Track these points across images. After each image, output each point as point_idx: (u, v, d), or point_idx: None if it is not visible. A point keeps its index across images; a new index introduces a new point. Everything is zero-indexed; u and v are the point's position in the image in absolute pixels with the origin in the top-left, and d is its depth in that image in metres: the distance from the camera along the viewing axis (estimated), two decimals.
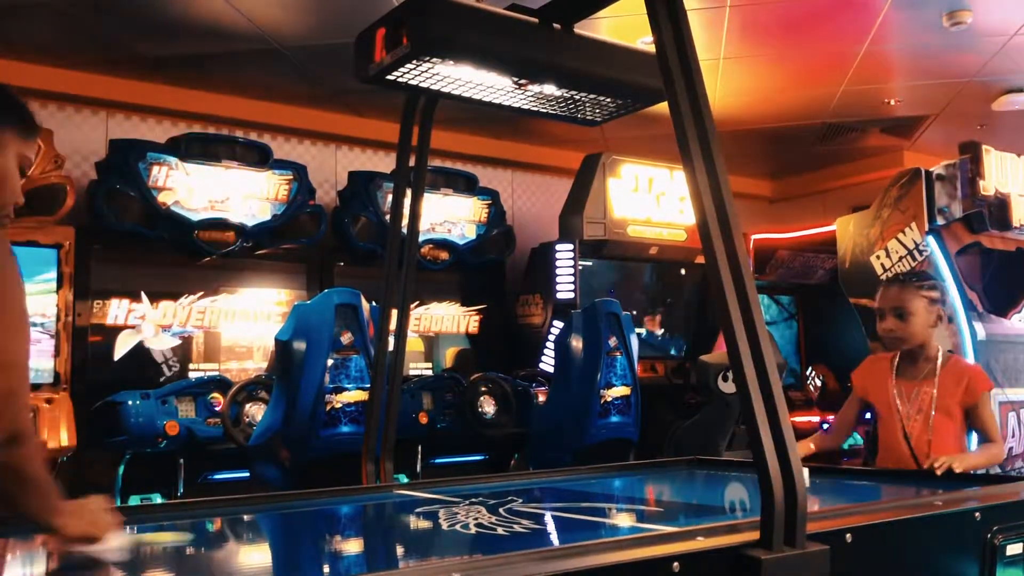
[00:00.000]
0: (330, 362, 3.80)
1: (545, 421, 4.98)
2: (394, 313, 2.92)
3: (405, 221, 2.93)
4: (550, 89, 2.43)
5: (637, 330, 5.95)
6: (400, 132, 2.81)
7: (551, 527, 2.20)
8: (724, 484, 3.07)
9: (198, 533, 2.30)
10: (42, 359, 4.31)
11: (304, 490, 2.79)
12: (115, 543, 1.74)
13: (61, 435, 3.95)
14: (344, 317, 3.86)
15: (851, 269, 5.74)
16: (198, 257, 5.09)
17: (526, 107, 2.58)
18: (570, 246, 6.02)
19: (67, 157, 4.67)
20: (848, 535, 1.73)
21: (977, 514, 2.04)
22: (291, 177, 5.26)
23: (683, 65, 1.73)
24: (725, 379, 4.95)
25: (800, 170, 8.05)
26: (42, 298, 4.34)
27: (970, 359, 5.00)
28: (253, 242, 5.16)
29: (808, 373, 7.34)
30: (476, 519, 2.10)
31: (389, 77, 2.32)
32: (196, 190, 4.91)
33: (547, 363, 5.85)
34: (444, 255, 5.92)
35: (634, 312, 5.95)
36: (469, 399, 5.00)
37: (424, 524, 2.32)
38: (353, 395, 3.85)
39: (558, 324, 5.72)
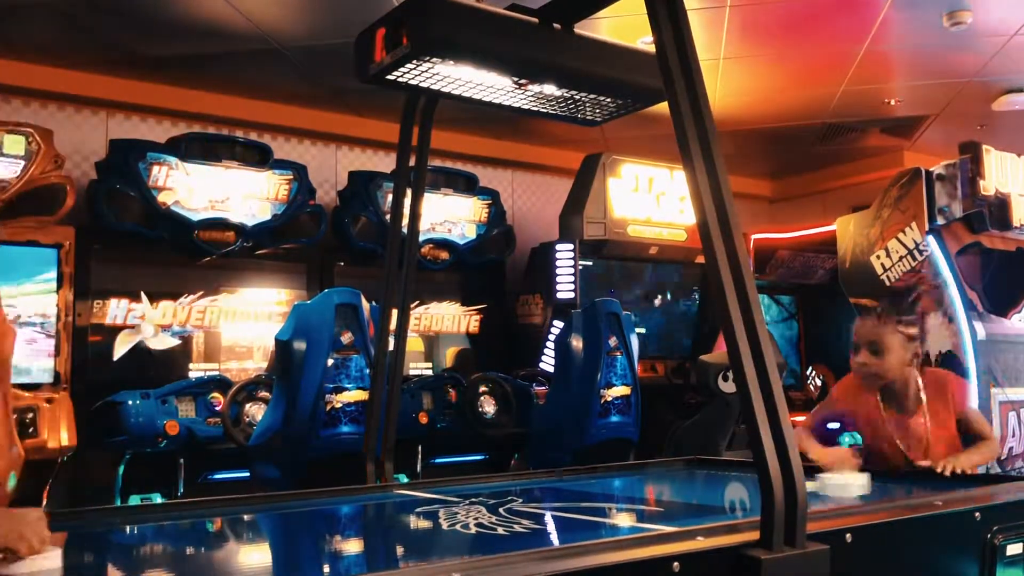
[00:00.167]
0: (330, 362, 3.80)
1: (545, 421, 4.98)
2: (394, 313, 2.92)
3: (405, 221, 2.93)
4: (550, 89, 2.43)
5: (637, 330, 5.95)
6: (400, 132, 2.81)
7: (551, 527, 2.20)
8: (724, 484, 3.07)
9: (198, 533, 2.30)
10: (42, 359, 4.31)
11: (304, 490, 2.79)
12: (47, 564, 1.48)
13: (61, 435, 3.94)
14: (344, 317, 3.86)
15: (851, 269, 5.75)
16: (198, 257, 5.09)
17: (526, 107, 2.58)
18: (570, 246, 6.02)
19: (67, 157, 4.67)
20: (848, 535, 1.73)
21: (977, 514, 2.05)
22: (291, 177, 5.26)
23: (683, 65, 1.73)
24: (725, 379, 4.95)
25: (800, 170, 8.05)
26: (42, 298, 4.33)
27: (970, 359, 5.01)
28: (253, 242, 5.16)
29: (808, 373, 7.34)
30: (476, 519, 2.10)
31: (389, 77, 2.32)
32: (196, 190, 4.91)
33: (547, 363, 5.85)
34: (444, 255, 5.92)
35: (634, 317, 5.95)
36: (469, 399, 5.00)
37: (424, 524, 2.32)
38: (353, 395, 3.85)
39: (558, 324, 5.72)
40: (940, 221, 5.27)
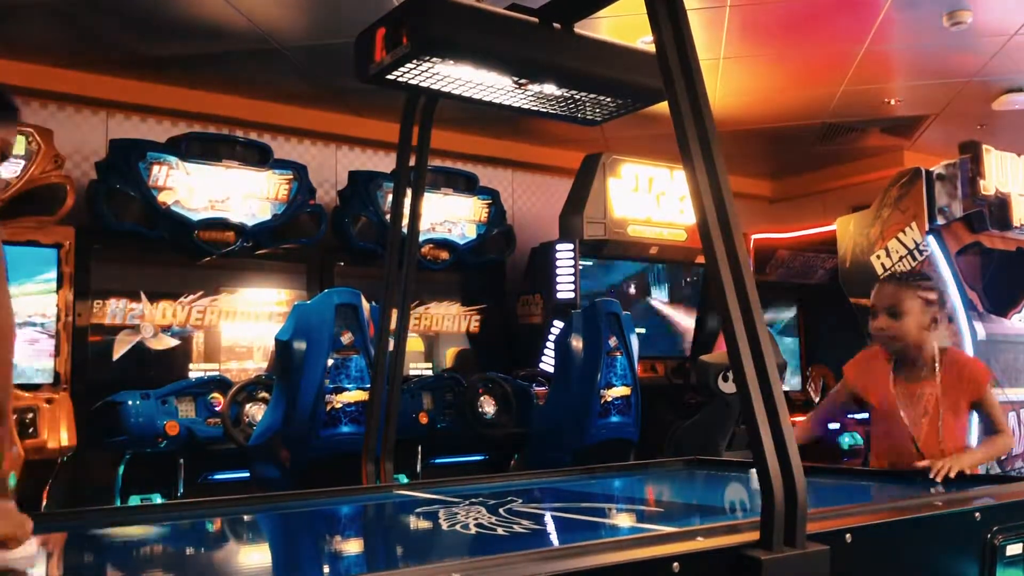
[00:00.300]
0: (330, 362, 3.80)
1: (545, 421, 4.98)
2: (394, 313, 2.92)
3: (405, 221, 2.93)
4: (550, 89, 2.43)
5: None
6: (400, 132, 2.81)
7: (551, 527, 2.20)
8: (724, 484, 3.07)
9: (198, 533, 2.30)
10: (42, 359, 4.31)
11: (304, 490, 2.79)
12: (26, 551, 1.61)
13: (61, 435, 3.94)
14: (344, 317, 3.86)
15: (851, 269, 5.74)
16: (198, 257, 5.09)
17: (526, 107, 2.58)
18: (570, 246, 6.02)
19: (67, 157, 4.67)
20: (848, 535, 1.73)
21: (977, 514, 2.04)
22: (291, 177, 5.26)
23: (683, 65, 1.73)
24: (725, 379, 4.95)
25: (800, 170, 8.05)
26: (42, 298, 4.34)
27: None
28: (253, 242, 5.16)
29: (808, 373, 7.34)
30: (476, 519, 2.10)
31: (389, 77, 2.32)
32: (196, 190, 4.91)
33: (547, 363, 5.85)
34: (444, 255, 5.92)
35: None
36: (469, 399, 5.00)
37: (424, 524, 2.32)
38: (353, 395, 3.85)
39: (558, 324, 5.72)
40: (940, 221, 5.27)
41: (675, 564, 1.48)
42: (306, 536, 2.34)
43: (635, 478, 3.28)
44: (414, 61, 2.21)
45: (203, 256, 5.08)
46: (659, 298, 6.69)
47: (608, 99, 2.53)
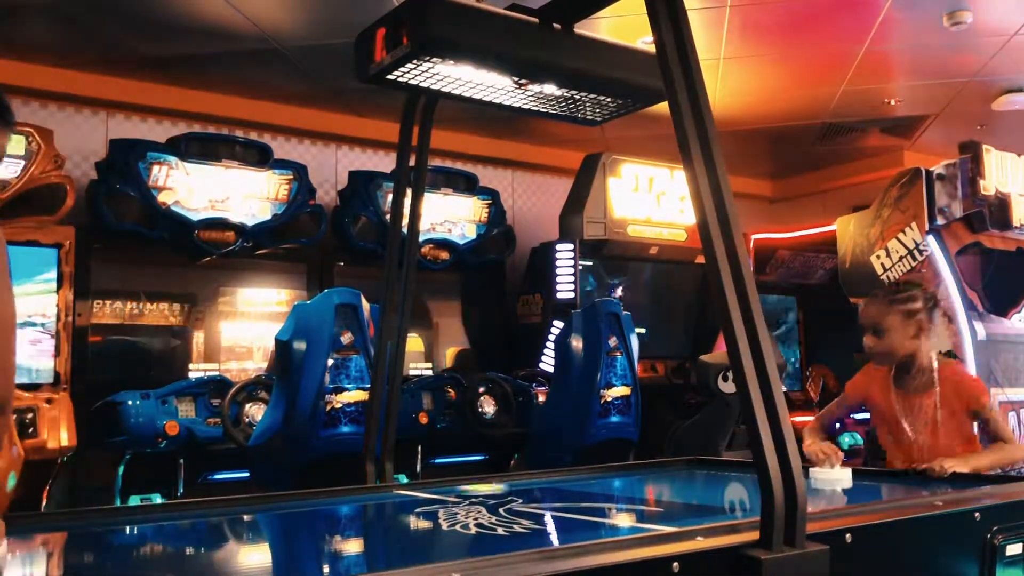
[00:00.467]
0: (330, 362, 3.80)
1: (545, 421, 4.98)
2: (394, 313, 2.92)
3: (405, 221, 2.93)
4: (550, 89, 2.43)
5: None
6: (400, 132, 2.81)
7: (551, 527, 2.20)
8: (724, 484, 3.07)
9: (198, 533, 2.30)
10: (42, 359, 4.31)
11: (304, 490, 2.79)
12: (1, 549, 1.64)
13: (61, 435, 3.94)
14: (344, 317, 3.86)
15: (851, 269, 5.75)
16: (198, 257, 5.09)
17: (526, 107, 2.58)
18: (570, 246, 6.02)
19: (67, 157, 4.66)
20: (848, 535, 1.73)
21: (977, 514, 2.04)
22: (291, 177, 5.26)
23: (683, 65, 1.73)
24: (725, 379, 4.95)
25: (800, 170, 8.05)
26: (42, 298, 4.33)
27: (970, 359, 5.00)
28: (253, 242, 5.16)
29: (808, 373, 7.34)
30: (476, 519, 2.10)
31: (389, 77, 2.32)
32: (196, 190, 4.91)
33: (547, 363, 5.85)
34: (444, 255, 5.92)
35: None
36: (469, 399, 5.00)
37: (424, 524, 2.32)
38: (353, 395, 3.85)
39: (558, 324, 5.72)
40: (940, 221, 5.27)
41: (675, 564, 1.48)
42: (306, 536, 2.34)
43: (635, 478, 3.28)
44: (414, 61, 2.21)
45: (203, 256, 5.08)
46: (659, 298, 6.69)
47: (608, 99, 2.53)
